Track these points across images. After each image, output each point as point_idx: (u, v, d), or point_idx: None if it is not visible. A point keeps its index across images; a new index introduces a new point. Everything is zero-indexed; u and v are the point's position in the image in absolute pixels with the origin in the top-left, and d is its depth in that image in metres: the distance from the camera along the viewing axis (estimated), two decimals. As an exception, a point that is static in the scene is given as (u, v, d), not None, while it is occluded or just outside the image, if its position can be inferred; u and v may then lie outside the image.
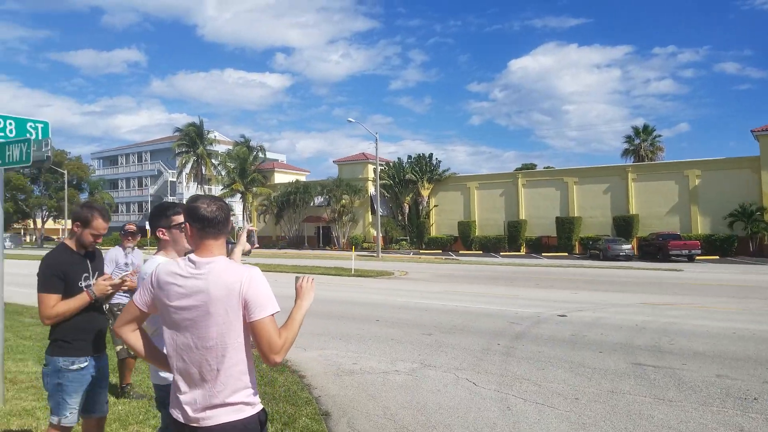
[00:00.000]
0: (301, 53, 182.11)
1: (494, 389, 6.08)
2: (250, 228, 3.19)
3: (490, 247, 43.51)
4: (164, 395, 2.64)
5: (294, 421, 4.90)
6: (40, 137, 5.64)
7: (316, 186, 52.43)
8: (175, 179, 69.11)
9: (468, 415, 5.23)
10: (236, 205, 61.61)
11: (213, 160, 60.04)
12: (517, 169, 55.91)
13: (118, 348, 5.55)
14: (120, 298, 5.32)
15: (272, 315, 2.11)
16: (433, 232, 48.12)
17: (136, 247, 5.95)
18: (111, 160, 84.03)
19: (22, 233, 77.35)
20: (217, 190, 60.88)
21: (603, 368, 6.95)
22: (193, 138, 59.29)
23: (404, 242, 47.54)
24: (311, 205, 52.76)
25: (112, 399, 5.15)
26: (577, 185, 42.57)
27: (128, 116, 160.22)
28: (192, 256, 2.17)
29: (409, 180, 48.12)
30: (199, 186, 60.45)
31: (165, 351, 2.23)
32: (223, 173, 58.16)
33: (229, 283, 2.08)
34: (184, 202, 2.40)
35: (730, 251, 35.26)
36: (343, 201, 50.08)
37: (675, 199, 39.10)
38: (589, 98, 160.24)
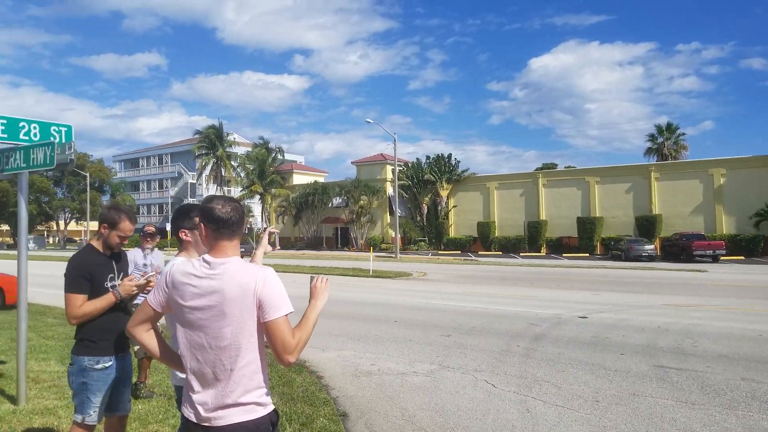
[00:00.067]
0: (319, 55, 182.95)
1: (513, 391, 6.02)
2: (272, 230, 3.19)
3: (509, 247, 43.20)
4: None
5: (312, 422, 4.91)
6: (63, 140, 5.72)
7: (335, 187, 52.58)
8: (195, 181, 69.83)
9: (486, 417, 5.19)
10: (255, 206, 62.07)
11: (232, 162, 60.58)
12: (537, 169, 55.43)
13: (136, 348, 5.61)
14: (143, 298, 5.38)
15: (286, 315, 2.11)
16: (452, 232, 47.94)
17: (156, 248, 6.01)
18: (132, 163, 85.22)
19: (46, 235, 78.79)
20: (236, 191, 61.38)
21: (624, 370, 6.85)
22: (212, 140, 59.88)
23: (423, 243, 47.44)
24: (329, 206, 52.94)
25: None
26: (598, 185, 42.08)
27: (149, 119, 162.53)
28: (206, 256, 2.18)
29: (427, 180, 48.00)
30: (218, 188, 61.02)
31: (179, 351, 2.25)
32: (243, 175, 58.62)
33: (244, 283, 2.09)
34: None
35: (756, 251, 34.56)
36: (362, 202, 50.15)
37: (699, 199, 38.45)
38: (611, 96, 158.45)
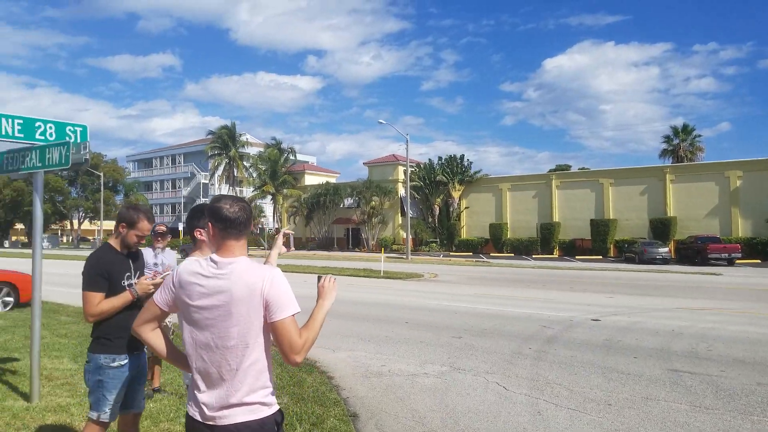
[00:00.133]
0: (332, 55, 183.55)
1: (525, 393, 5.99)
2: (287, 231, 3.20)
3: (522, 249, 42.97)
4: None
5: (322, 422, 4.91)
6: (78, 140, 5.78)
7: (346, 188, 52.63)
8: (207, 181, 70.29)
9: (498, 420, 5.16)
10: (267, 206, 62.31)
11: (245, 162, 60.87)
12: (551, 170, 55.12)
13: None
14: None
15: (293, 315, 2.11)
16: (464, 234, 47.79)
17: (168, 248, 6.04)
18: (146, 163, 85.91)
19: (60, 234, 79.63)
20: (248, 191, 61.68)
21: (637, 374, 6.78)
22: (225, 141, 60.22)
23: (434, 244, 47.34)
24: (341, 206, 53.01)
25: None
26: (612, 186, 41.75)
27: (163, 120, 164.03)
28: (214, 256, 2.18)
29: (439, 181, 47.89)
30: (230, 188, 61.35)
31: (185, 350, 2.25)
32: (255, 175, 58.89)
33: (251, 283, 2.09)
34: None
35: (772, 255, 34.13)
36: (373, 203, 50.17)
37: (715, 201, 38.01)
38: (627, 97, 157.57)
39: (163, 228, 5.96)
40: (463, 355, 7.87)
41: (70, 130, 5.82)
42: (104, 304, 3.30)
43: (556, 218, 43.44)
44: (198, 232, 2.99)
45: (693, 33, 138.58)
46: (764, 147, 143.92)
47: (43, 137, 5.64)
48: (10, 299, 11.98)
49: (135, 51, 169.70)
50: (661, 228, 37.98)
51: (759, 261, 33.36)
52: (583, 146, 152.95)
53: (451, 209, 48.11)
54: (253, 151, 62.41)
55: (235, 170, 61.08)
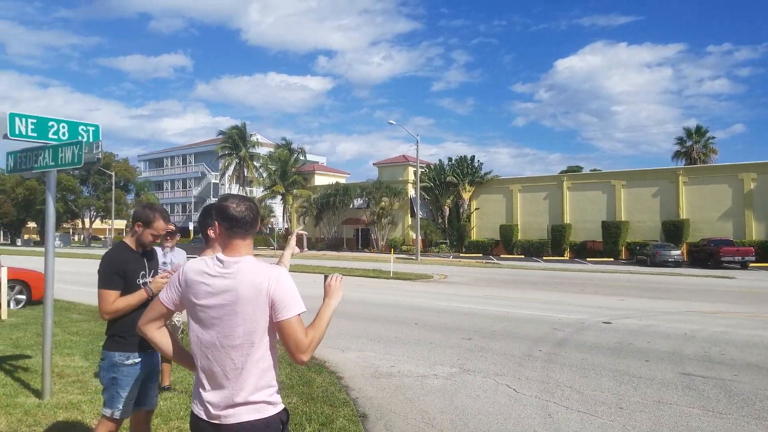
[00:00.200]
0: (343, 56, 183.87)
1: (535, 396, 5.95)
2: (300, 232, 3.20)
3: (532, 251, 42.79)
4: None
5: (331, 422, 4.90)
6: (91, 140, 5.82)
7: (356, 188, 52.65)
8: (218, 181, 70.60)
9: (507, 422, 5.13)
10: (277, 206, 62.49)
11: (255, 163, 61.06)
12: (562, 172, 54.84)
13: None
14: None
15: (299, 315, 2.11)
16: (474, 235, 47.66)
17: (176, 247, 6.06)
18: (157, 162, 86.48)
19: (71, 233, 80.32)
20: (258, 191, 61.88)
21: (649, 377, 6.72)
22: (235, 141, 60.46)
23: (444, 245, 47.25)
24: (350, 207, 53.05)
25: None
26: (624, 188, 41.47)
27: (174, 120, 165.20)
28: (220, 255, 2.18)
29: (449, 182, 47.79)
30: (241, 188, 61.57)
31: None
32: (265, 175, 59.05)
33: (257, 282, 2.09)
34: None
35: (786, 258, 33.75)
36: (383, 203, 50.16)
37: (728, 204, 37.66)
38: (639, 98, 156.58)
39: (172, 227, 5.98)
40: (473, 357, 7.84)
41: (82, 129, 5.86)
42: (119, 302, 3.32)
43: (567, 220, 43.21)
44: (211, 231, 3.04)
45: (707, 34, 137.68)
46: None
47: (56, 137, 5.68)
48: (23, 297, 12.09)
49: (146, 51, 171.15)
50: (674, 230, 37.67)
51: (773, 264, 33.03)
52: (594, 148, 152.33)
53: (461, 210, 47.99)
54: (263, 151, 62.61)
55: (246, 170, 61.30)
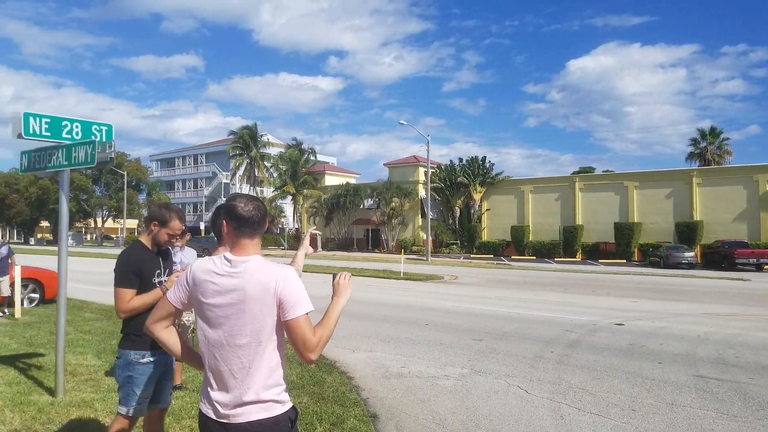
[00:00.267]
0: (354, 56, 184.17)
1: (547, 397, 5.91)
2: (314, 232, 3.19)
3: (544, 252, 42.55)
4: None
5: (342, 422, 4.89)
6: (104, 139, 5.86)
7: (366, 188, 52.64)
8: (228, 181, 70.93)
9: (519, 423, 5.09)
10: (287, 206, 62.66)
11: (266, 163, 61.27)
12: (574, 173, 54.44)
13: None
14: None
15: (307, 314, 2.11)
16: (485, 236, 47.48)
17: (186, 246, 6.09)
18: (168, 162, 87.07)
19: (83, 232, 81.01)
20: (269, 191, 62.08)
21: (662, 379, 6.65)
22: (246, 141, 60.71)
23: (454, 246, 47.13)
24: (361, 207, 53.07)
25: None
26: (637, 190, 41.13)
27: (186, 120, 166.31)
28: (228, 254, 2.19)
29: (460, 183, 47.65)
30: (251, 188, 61.80)
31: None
32: (275, 175, 59.21)
33: (265, 282, 2.09)
34: None
35: (801, 260, 33.29)
36: (393, 204, 50.13)
37: (743, 205, 37.23)
38: (652, 99, 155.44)
39: (183, 227, 6.00)
40: (484, 358, 7.80)
41: (95, 129, 5.90)
42: (135, 300, 3.34)
43: (579, 221, 42.91)
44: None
45: (722, 34, 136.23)
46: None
47: (69, 136, 5.72)
48: (36, 296, 12.20)
49: (158, 52, 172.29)
50: (687, 232, 37.31)
51: (788, 266, 32.60)
52: (607, 149, 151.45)
53: (472, 211, 47.84)
54: (274, 151, 62.83)
55: (256, 170, 61.53)
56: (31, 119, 5.50)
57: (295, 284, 2.12)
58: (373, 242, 54.37)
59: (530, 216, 45.62)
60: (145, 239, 3.52)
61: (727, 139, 51.25)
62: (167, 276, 3.53)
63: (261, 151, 61.63)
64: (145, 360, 3.35)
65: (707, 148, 49.94)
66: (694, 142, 51.18)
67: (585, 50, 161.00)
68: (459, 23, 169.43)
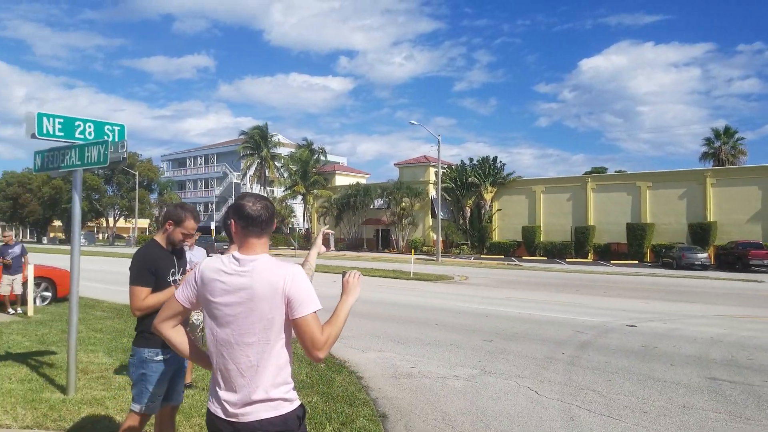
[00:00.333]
0: (364, 56, 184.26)
1: (557, 399, 5.87)
2: (327, 231, 3.19)
3: (555, 253, 42.35)
4: None
5: (351, 422, 4.89)
6: (116, 139, 5.90)
7: (377, 188, 52.66)
8: (239, 181, 71.21)
9: (529, 424, 5.07)
10: (297, 206, 62.82)
11: (276, 163, 61.49)
12: (586, 173, 54.13)
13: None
14: None
15: (315, 312, 2.11)
16: (496, 236, 47.34)
17: (196, 246, 6.11)
18: (179, 162, 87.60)
19: (95, 231, 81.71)
20: (279, 191, 62.28)
21: (674, 382, 6.59)
22: (257, 141, 60.95)
23: (465, 247, 47.03)
24: (371, 207, 53.11)
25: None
26: (650, 190, 40.81)
27: (197, 120, 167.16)
28: (236, 253, 2.19)
29: (471, 183, 47.53)
30: (262, 188, 62.03)
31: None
32: (286, 175, 59.39)
33: (273, 280, 2.09)
34: None
35: (817, 262, 32.85)
36: (403, 204, 50.10)
37: (758, 206, 36.82)
38: (666, 99, 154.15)
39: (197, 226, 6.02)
40: (494, 359, 7.77)
41: (108, 129, 5.95)
42: (150, 298, 3.36)
43: (591, 222, 42.67)
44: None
45: (737, 32, 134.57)
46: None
47: (82, 136, 5.76)
48: (48, 294, 12.31)
49: (170, 52, 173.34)
50: (701, 233, 36.97)
51: (803, 268, 32.18)
52: (619, 149, 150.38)
53: (483, 211, 47.71)
54: (284, 151, 63.03)
55: (267, 170, 61.75)
56: (45, 119, 5.55)
57: (303, 283, 2.12)
58: (383, 242, 54.38)
59: (541, 216, 45.41)
60: (160, 238, 3.54)
61: (742, 138, 50.92)
62: (181, 275, 3.56)
63: (271, 151, 61.85)
64: (159, 358, 3.37)
65: (721, 148, 49.48)
66: (708, 141, 50.76)
67: (597, 49, 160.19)
68: (471, 22, 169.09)
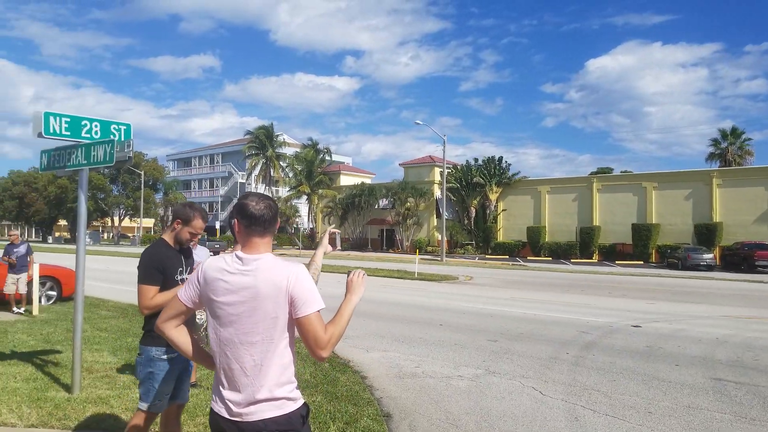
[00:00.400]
0: (370, 56, 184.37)
1: (561, 399, 5.86)
2: (333, 230, 3.20)
3: (560, 253, 42.25)
4: None
5: (356, 421, 4.89)
6: (122, 138, 5.92)
7: (381, 188, 52.62)
8: (244, 181, 71.31)
9: (533, 424, 5.06)
10: (302, 206, 62.86)
11: (281, 163, 61.54)
12: (592, 173, 53.95)
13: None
14: None
15: (318, 311, 2.11)
16: (501, 237, 47.27)
17: (199, 245, 6.12)
18: (185, 162, 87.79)
19: (101, 230, 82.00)
20: (284, 191, 62.34)
21: (679, 382, 6.57)
22: (262, 141, 61.03)
23: (469, 247, 46.97)
24: (376, 207, 53.10)
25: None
26: (656, 190, 40.65)
27: (202, 120, 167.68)
28: (239, 252, 2.19)
29: (476, 183, 47.46)
30: (267, 187, 62.09)
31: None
32: (291, 175, 59.44)
33: (277, 280, 2.09)
34: None
35: (824, 263, 32.66)
36: (408, 204, 50.07)
37: (764, 207, 36.62)
38: (673, 99, 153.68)
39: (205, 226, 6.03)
40: (499, 359, 7.76)
41: (114, 128, 5.96)
42: (159, 297, 3.37)
43: (596, 222, 42.55)
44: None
45: (745, 32, 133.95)
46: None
47: (88, 135, 5.78)
48: (54, 293, 12.35)
49: (176, 52, 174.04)
50: (706, 234, 36.83)
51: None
52: (626, 149, 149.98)
53: (488, 211, 47.63)
54: (289, 151, 63.10)
55: (272, 170, 61.82)
56: (52, 119, 5.57)
57: (306, 282, 2.12)
58: (388, 242, 54.36)
59: (547, 217, 45.31)
60: (168, 237, 3.55)
61: (749, 139, 50.58)
62: (189, 274, 3.56)
63: (277, 151, 61.92)
64: (166, 356, 3.38)
65: (728, 149, 49.22)
66: (715, 142, 50.50)
67: (605, 49, 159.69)
68: (477, 22, 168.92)
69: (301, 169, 57.05)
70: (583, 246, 41.74)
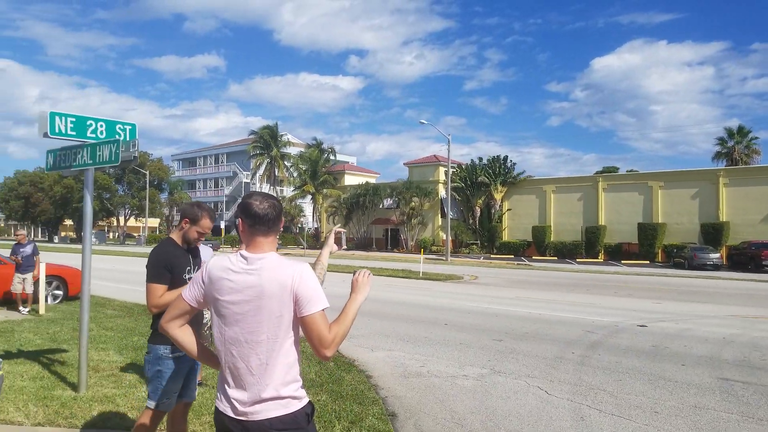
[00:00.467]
0: (374, 55, 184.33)
1: (567, 398, 5.84)
2: (339, 230, 3.20)
3: (565, 253, 42.13)
4: None
5: (361, 420, 4.89)
6: (127, 138, 5.93)
7: (386, 188, 52.63)
8: (249, 181, 71.48)
9: (539, 424, 5.04)
10: (307, 206, 62.93)
11: (286, 162, 61.64)
12: (597, 172, 53.78)
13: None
14: None
15: (322, 310, 2.11)
16: (505, 236, 47.18)
17: (203, 244, 6.13)
18: (190, 162, 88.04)
19: (106, 230, 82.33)
20: (289, 191, 62.42)
21: (686, 382, 6.54)
22: (267, 141, 61.14)
23: (474, 246, 46.91)
24: (380, 207, 53.10)
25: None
26: (662, 190, 40.50)
27: (207, 119, 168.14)
28: (243, 252, 2.19)
29: (481, 183, 47.38)
30: (271, 187, 62.20)
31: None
32: (295, 175, 59.53)
33: (281, 279, 2.09)
34: None
35: (831, 263, 32.47)
36: (413, 203, 50.05)
37: (770, 206, 36.46)
38: (679, 98, 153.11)
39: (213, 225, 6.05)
40: (504, 358, 7.74)
41: (119, 128, 5.98)
42: (167, 296, 3.37)
43: (601, 221, 42.42)
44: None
45: (752, 31, 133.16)
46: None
47: (94, 135, 5.80)
48: (60, 292, 12.40)
49: (181, 52, 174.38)
50: (713, 233, 36.67)
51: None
52: (631, 148, 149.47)
53: (493, 211, 47.56)
54: (294, 151, 63.16)
55: (276, 170, 61.92)
56: (57, 119, 5.60)
57: (311, 281, 2.12)
58: (393, 242, 54.35)
59: (552, 216, 45.20)
60: (176, 236, 3.57)
61: (756, 138, 50.36)
62: (196, 273, 3.57)
63: (281, 150, 62.01)
64: (175, 355, 3.39)
65: (735, 148, 49.01)
66: (722, 141, 50.27)
67: (610, 48, 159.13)
68: (481, 21, 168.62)
69: (306, 168, 57.12)
70: (589, 245, 41.62)
